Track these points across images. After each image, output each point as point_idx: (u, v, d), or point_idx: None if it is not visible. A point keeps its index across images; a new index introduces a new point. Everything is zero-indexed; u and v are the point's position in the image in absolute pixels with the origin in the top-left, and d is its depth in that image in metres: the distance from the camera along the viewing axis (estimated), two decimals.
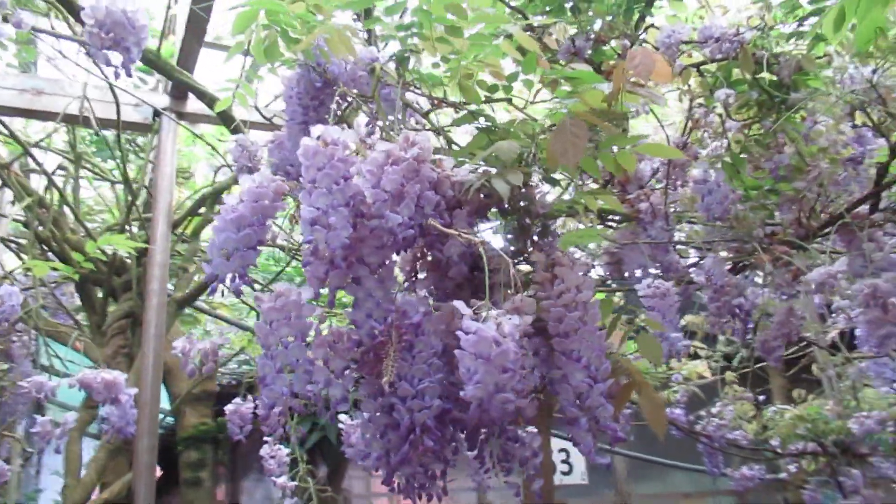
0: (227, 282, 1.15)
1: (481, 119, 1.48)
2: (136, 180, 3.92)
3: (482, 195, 1.34)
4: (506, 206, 1.37)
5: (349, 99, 1.70)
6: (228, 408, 2.95)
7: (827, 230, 2.02)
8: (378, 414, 1.19)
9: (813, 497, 4.65)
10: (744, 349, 4.31)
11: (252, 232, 1.17)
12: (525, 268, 1.42)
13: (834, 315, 3.76)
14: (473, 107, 1.51)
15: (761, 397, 4.50)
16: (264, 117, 2.41)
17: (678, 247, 2.41)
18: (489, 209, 1.37)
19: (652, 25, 2.15)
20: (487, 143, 1.46)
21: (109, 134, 3.95)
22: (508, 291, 1.26)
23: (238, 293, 1.16)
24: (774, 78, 1.92)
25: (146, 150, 3.93)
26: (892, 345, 1.68)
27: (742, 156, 1.98)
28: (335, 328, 1.22)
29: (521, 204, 1.42)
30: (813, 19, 1.91)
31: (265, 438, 3.16)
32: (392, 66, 1.73)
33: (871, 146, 1.94)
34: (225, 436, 3.40)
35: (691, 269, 2.14)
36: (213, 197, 3.88)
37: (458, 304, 1.00)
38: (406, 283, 1.38)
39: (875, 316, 1.67)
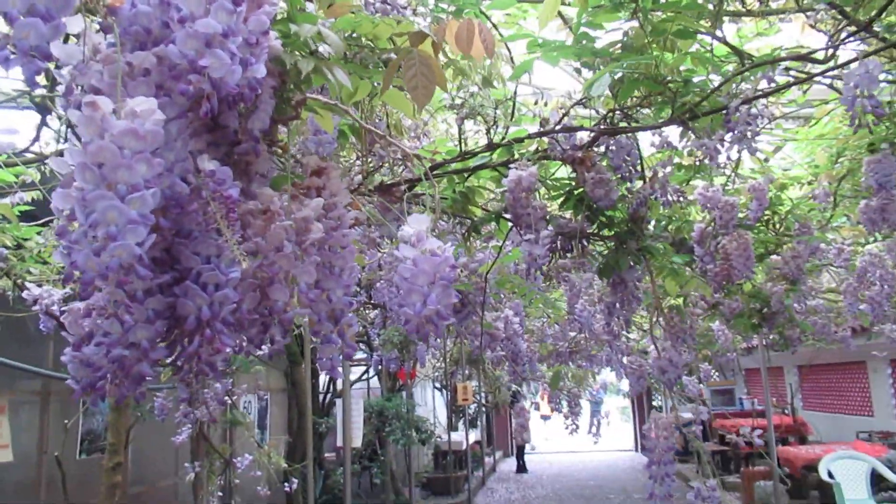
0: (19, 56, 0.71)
1: None
2: None
3: (279, 73, 1.17)
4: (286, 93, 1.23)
5: None
6: None
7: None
8: (149, 296, 0.92)
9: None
10: None
11: None
12: None
13: None
14: None
15: None
16: None
17: None
18: (274, 90, 1.20)
19: None
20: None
21: None
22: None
23: (33, 81, 0.72)
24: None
25: None
26: None
27: None
28: None
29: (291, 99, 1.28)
30: None
31: None
32: None
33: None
34: None
35: None
36: None
37: (415, 218, 0.90)
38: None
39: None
